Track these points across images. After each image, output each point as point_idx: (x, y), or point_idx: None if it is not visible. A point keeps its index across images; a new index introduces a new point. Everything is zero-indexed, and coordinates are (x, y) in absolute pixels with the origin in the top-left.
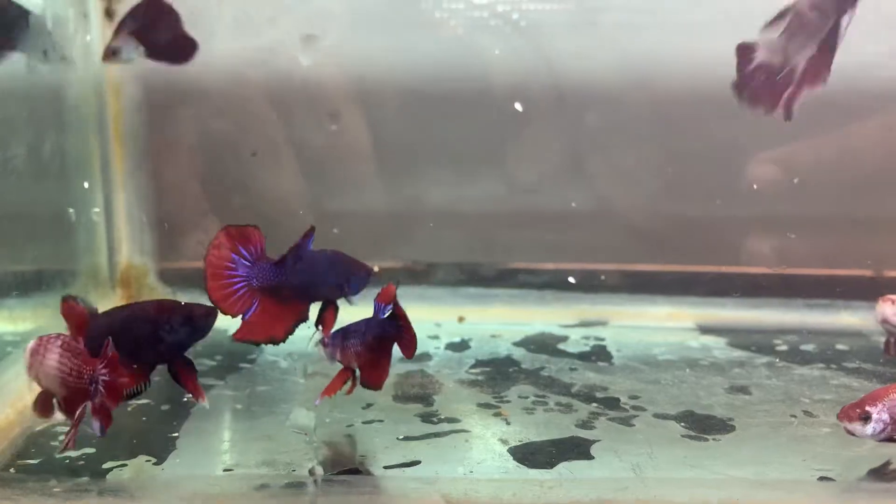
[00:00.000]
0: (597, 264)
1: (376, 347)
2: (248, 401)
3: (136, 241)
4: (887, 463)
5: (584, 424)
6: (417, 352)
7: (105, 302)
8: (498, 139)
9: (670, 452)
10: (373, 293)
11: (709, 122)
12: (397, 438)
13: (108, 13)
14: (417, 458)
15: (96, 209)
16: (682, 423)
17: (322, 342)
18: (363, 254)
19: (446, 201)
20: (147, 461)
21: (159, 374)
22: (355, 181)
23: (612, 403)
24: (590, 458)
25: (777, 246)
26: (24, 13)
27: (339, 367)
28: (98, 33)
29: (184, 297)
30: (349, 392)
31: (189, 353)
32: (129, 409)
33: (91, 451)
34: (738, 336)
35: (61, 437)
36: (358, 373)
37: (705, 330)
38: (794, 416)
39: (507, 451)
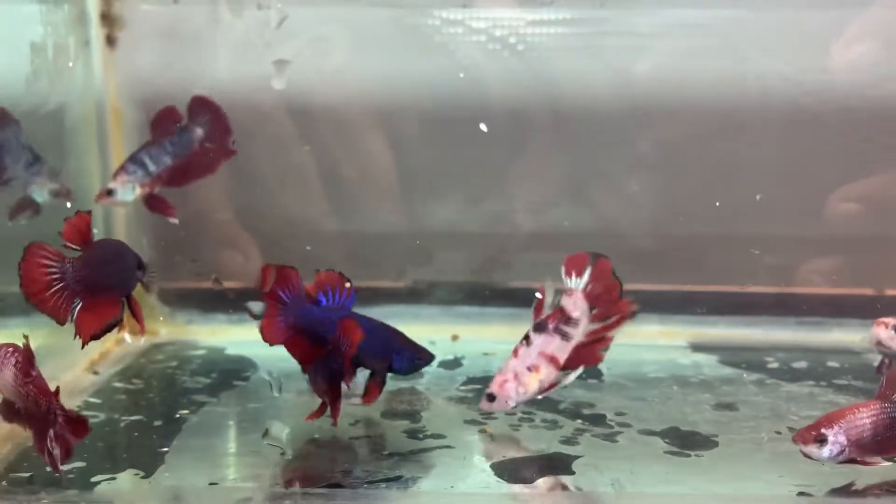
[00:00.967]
0: None
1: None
2: (239, 418)
3: None
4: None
5: (568, 440)
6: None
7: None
8: (496, 161)
9: (651, 468)
10: None
11: (705, 143)
12: (382, 454)
13: (110, 40)
14: (400, 474)
15: (95, 231)
16: (666, 440)
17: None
18: (364, 274)
19: (446, 222)
20: (135, 474)
21: (153, 392)
22: (354, 202)
23: (598, 420)
24: (571, 473)
25: (775, 265)
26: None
27: None
28: (99, 60)
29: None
30: (333, 424)
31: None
32: (122, 425)
33: (81, 464)
34: (729, 354)
35: (54, 452)
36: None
37: (697, 348)
38: (779, 433)
39: (489, 466)
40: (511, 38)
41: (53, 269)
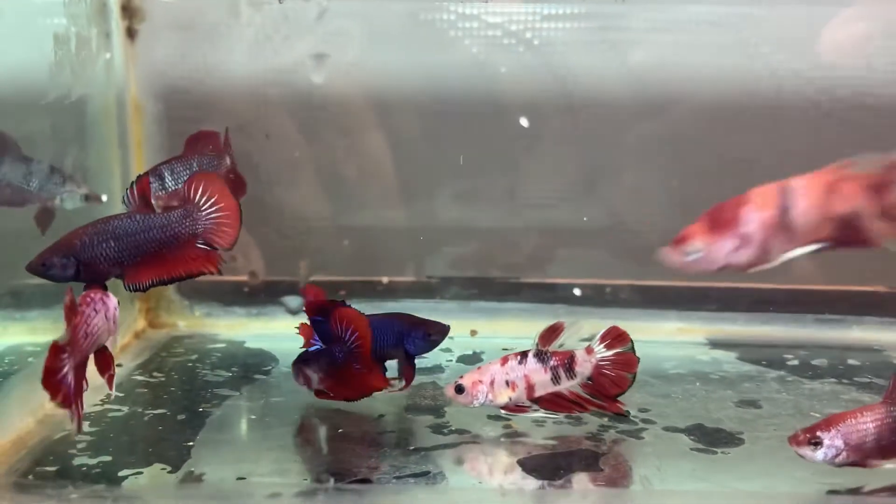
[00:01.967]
0: (608, 279)
1: (335, 371)
2: (263, 411)
3: None
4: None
5: (594, 437)
6: (430, 364)
7: (124, 313)
8: (510, 156)
9: (679, 465)
10: None
11: (719, 138)
12: (408, 449)
13: (130, 32)
14: (427, 469)
15: None
16: (692, 437)
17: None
18: (376, 269)
19: (460, 216)
20: (162, 469)
21: (175, 386)
22: (370, 196)
23: (621, 416)
24: (599, 470)
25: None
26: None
27: None
28: (120, 52)
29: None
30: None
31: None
32: (146, 419)
33: (108, 458)
34: (748, 350)
35: (80, 445)
36: None
37: (716, 344)
38: None
39: (517, 462)
40: (527, 33)
41: None
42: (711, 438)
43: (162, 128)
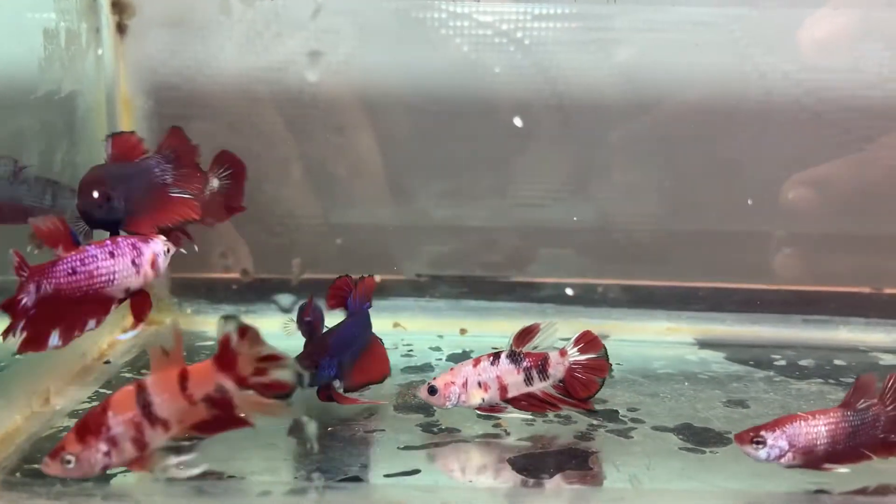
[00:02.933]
0: (597, 279)
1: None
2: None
3: None
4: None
5: (584, 436)
6: (420, 363)
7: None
8: (501, 155)
9: (668, 464)
10: None
11: (709, 139)
12: (398, 448)
13: (120, 28)
14: (417, 468)
15: None
16: (680, 436)
17: None
18: (367, 266)
19: (450, 215)
20: None
21: None
22: (360, 194)
23: (611, 416)
24: (588, 468)
25: (777, 262)
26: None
27: None
28: (110, 47)
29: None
30: None
31: None
32: None
33: None
34: (736, 350)
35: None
36: None
37: (704, 344)
38: None
39: (507, 461)
40: (518, 32)
41: None
42: (700, 438)
43: (152, 124)
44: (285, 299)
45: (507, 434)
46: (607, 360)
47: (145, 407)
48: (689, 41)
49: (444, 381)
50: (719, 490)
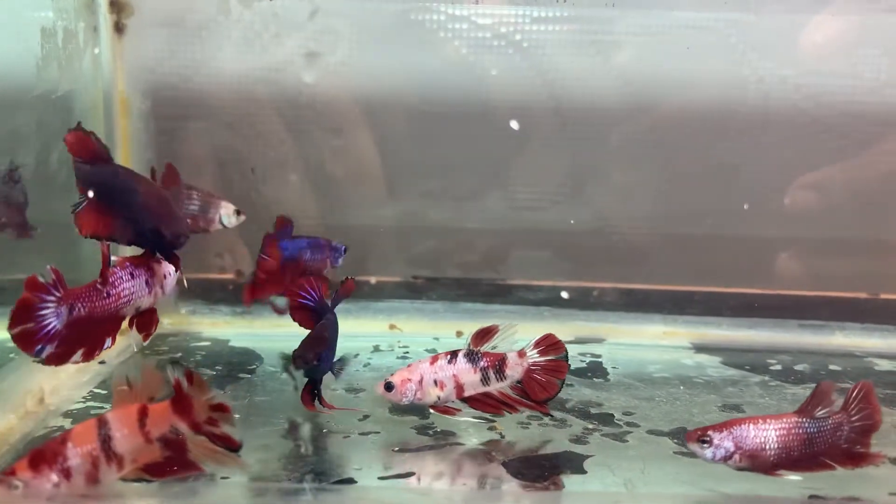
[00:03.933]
0: (594, 282)
1: None
2: (247, 410)
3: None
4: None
5: (578, 439)
6: None
7: None
8: (499, 157)
9: (663, 468)
10: None
11: (707, 143)
12: (393, 450)
13: (118, 27)
14: (412, 470)
15: None
16: (675, 440)
17: None
18: (363, 269)
19: (447, 218)
20: None
21: None
22: (358, 196)
23: (606, 419)
24: (583, 472)
25: (773, 267)
26: None
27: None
28: (107, 47)
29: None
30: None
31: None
32: None
33: None
34: (732, 355)
35: None
36: None
37: (700, 348)
38: None
39: (501, 464)
40: (516, 35)
41: None
42: None
43: (149, 125)
44: (280, 300)
45: (503, 437)
46: (567, 361)
47: (105, 441)
48: (686, 45)
49: (401, 378)
50: (714, 495)
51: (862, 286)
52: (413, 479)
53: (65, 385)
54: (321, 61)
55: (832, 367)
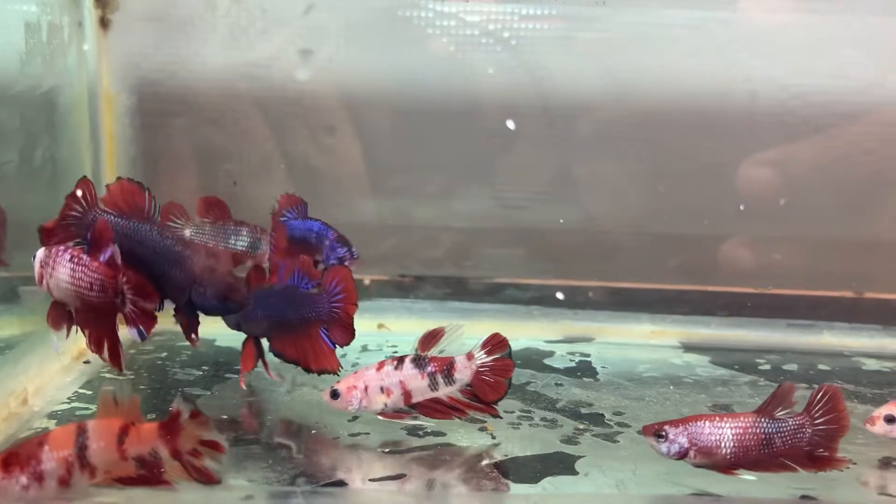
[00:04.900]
0: (583, 281)
1: None
2: (234, 411)
3: None
4: (866, 482)
5: (569, 440)
6: None
7: None
8: (487, 155)
9: (653, 469)
10: None
11: (696, 141)
12: (383, 452)
13: (103, 22)
14: (402, 472)
15: None
16: None
17: None
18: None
19: (435, 216)
20: None
21: (145, 385)
22: (345, 194)
23: (596, 419)
24: (574, 473)
25: (761, 266)
26: None
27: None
28: (92, 42)
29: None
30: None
31: None
32: None
33: None
34: (721, 354)
35: None
36: None
37: (689, 348)
38: None
39: (493, 465)
40: (505, 33)
41: None
42: None
43: (134, 120)
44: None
45: (494, 438)
46: (511, 358)
47: (81, 450)
48: (675, 44)
49: (347, 385)
50: (705, 495)
51: (850, 286)
52: (404, 481)
53: (49, 386)
54: (309, 58)
55: (821, 366)
